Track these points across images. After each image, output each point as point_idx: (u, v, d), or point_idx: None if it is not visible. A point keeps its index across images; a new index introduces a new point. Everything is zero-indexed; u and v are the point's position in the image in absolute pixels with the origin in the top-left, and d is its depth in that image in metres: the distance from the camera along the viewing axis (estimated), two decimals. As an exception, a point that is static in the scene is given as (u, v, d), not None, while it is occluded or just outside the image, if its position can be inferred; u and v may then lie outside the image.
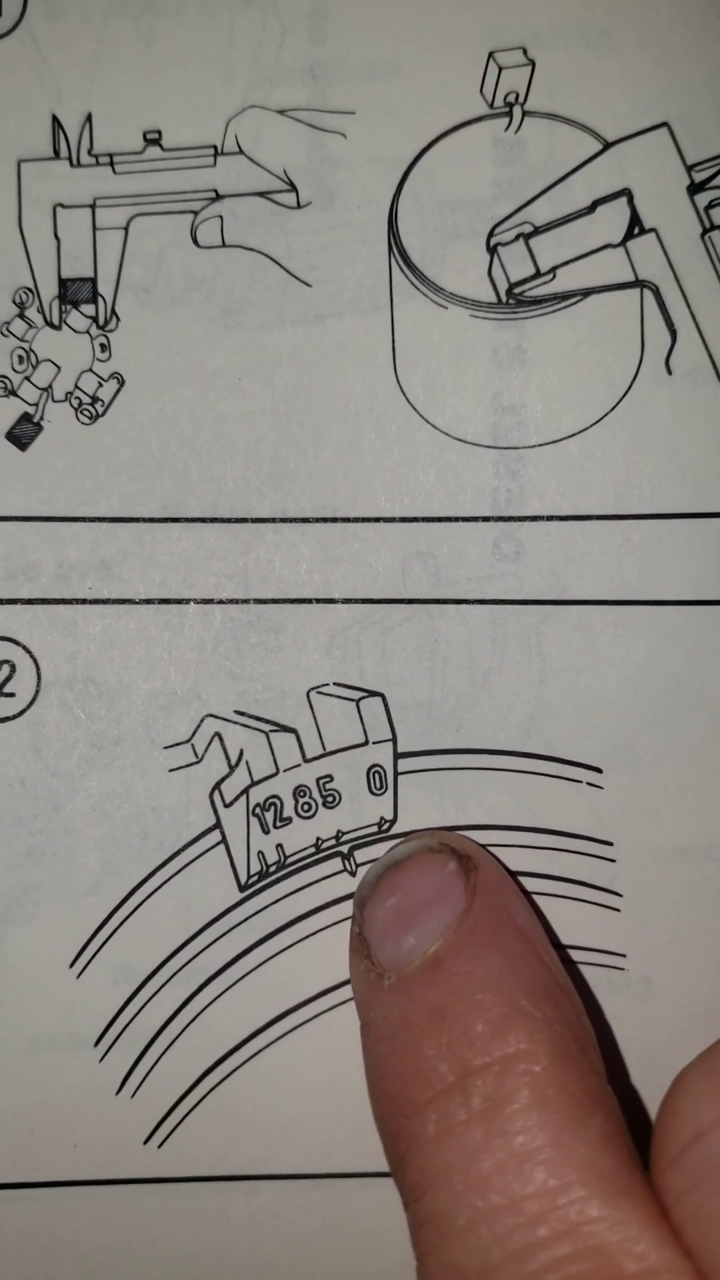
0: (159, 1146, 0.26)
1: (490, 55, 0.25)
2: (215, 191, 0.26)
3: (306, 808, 0.26)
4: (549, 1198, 0.20)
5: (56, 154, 0.26)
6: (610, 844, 0.26)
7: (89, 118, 0.26)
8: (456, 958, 0.23)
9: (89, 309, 0.26)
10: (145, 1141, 0.26)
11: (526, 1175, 0.21)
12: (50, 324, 0.26)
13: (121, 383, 0.26)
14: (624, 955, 0.26)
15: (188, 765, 0.26)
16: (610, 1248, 0.20)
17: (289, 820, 0.26)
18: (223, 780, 0.26)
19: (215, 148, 0.25)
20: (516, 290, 0.25)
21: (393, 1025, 0.23)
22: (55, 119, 0.26)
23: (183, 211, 0.26)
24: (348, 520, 0.26)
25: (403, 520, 0.26)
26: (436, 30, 0.25)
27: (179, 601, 0.26)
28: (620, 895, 0.26)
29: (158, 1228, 0.26)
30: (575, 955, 0.26)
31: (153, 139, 0.26)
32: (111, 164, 0.26)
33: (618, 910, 0.26)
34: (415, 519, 0.26)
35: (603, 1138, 0.21)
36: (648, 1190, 0.21)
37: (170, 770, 0.26)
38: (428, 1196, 0.22)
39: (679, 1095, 0.22)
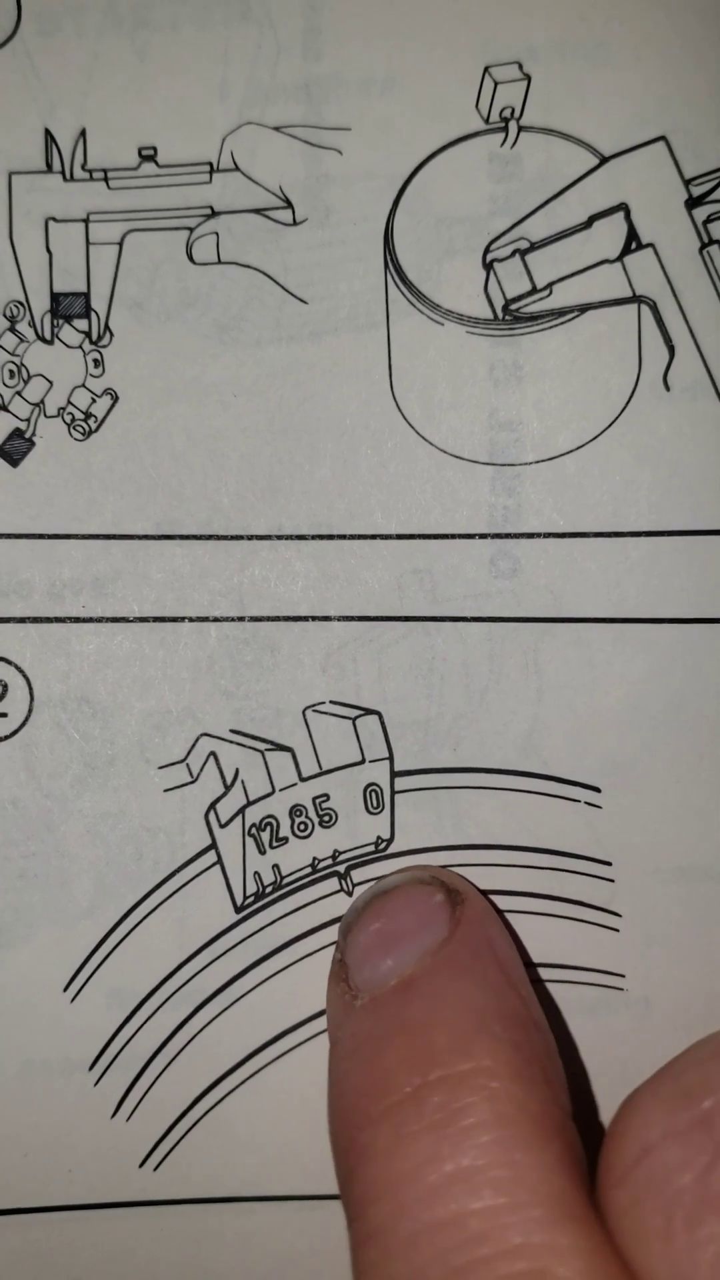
0: (155, 1169, 0.26)
1: (486, 70, 0.25)
2: (211, 208, 0.25)
3: (303, 827, 0.26)
4: (495, 1216, 0.20)
5: (49, 168, 0.25)
6: (609, 863, 0.26)
7: (83, 132, 0.25)
8: (430, 979, 0.23)
9: (82, 324, 0.25)
10: (141, 1164, 0.26)
11: (474, 1191, 0.20)
12: (42, 338, 0.25)
13: (115, 399, 0.25)
14: (623, 975, 0.26)
15: (183, 785, 0.26)
16: (551, 1273, 0.19)
17: (285, 840, 0.26)
18: (218, 800, 0.26)
19: (211, 164, 0.25)
20: (513, 306, 0.25)
21: (358, 1040, 0.23)
22: (48, 133, 0.25)
23: (178, 228, 0.25)
24: (343, 537, 0.26)
25: (399, 537, 0.26)
26: (431, 46, 0.25)
27: (173, 620, 0.26)
28: (619, 915, 0.26)
29: (154, 1250, 0.26)
30: (574, 975, 0.26)
31: (148, 155, 0.25)
32: (106, 179, 0.25)
33: (616, 930, 0.26)
34: (411, 536, 0.26)
35: (559, 1162, 0.21)
36: (598, 1221, 0.20)
37: (165, 790, 0.26)
38: (372, 1210, 0.21)
39: (628, 1114, 0.22)
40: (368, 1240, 0.21)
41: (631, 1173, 0.21)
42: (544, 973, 0.26)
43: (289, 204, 0.25)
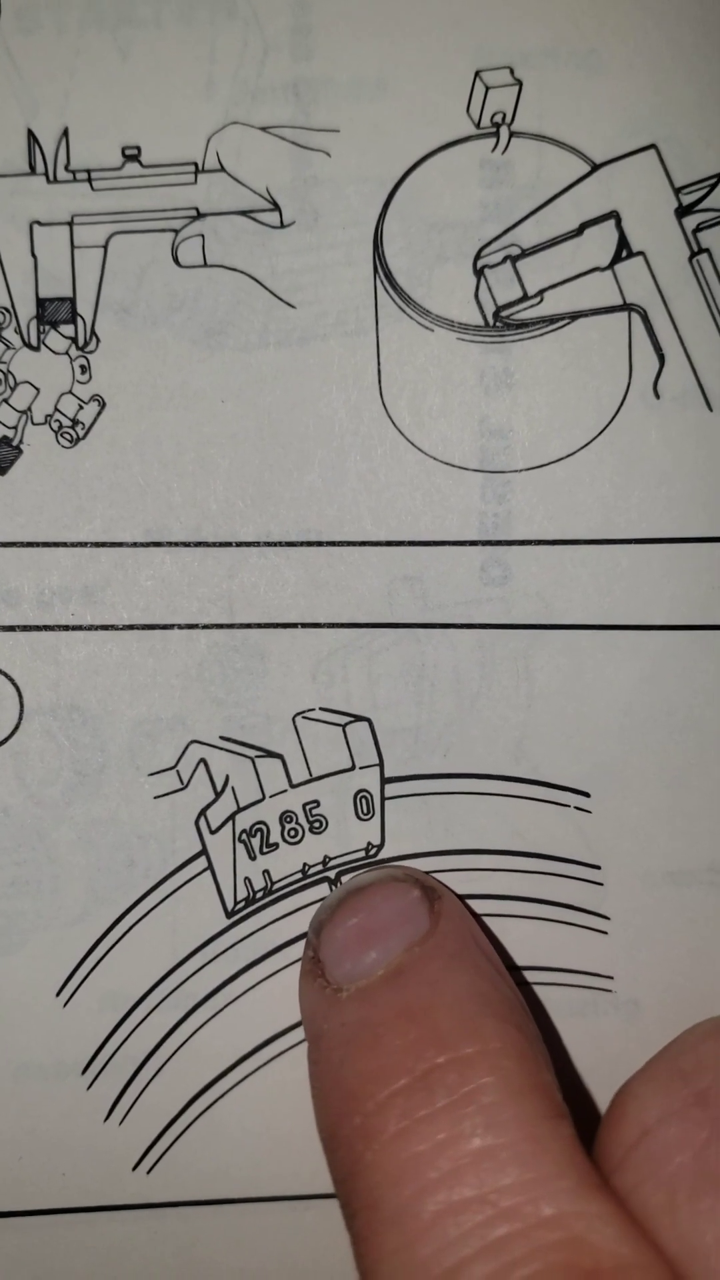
0: (148, 1172, 0.26)
1: (477, 74, 0.24)
2: (196, 209, 0.25)
3: (293, 833, 0.26)
4: (525, 1190, 0.20)
5: (32, 169, 0.25)
6: (598, 867, 0.26)
7: (65, 132, 0.25)
8: (423, 967, 0.23)
9: (68, 329, 0.25)
10: (134, 1168, 0.26)
11: (500, 1168, 0.20)
12: (28, 345, 0.25)
13: (102, 405, 0.25)
14: (611, 977, 0.26)
15: (173, 792, 0.26)
16: (586, 1241, 0.19)
17: (275, 846, 0.26)
18: (208, 806, 0.26)
19: (196, 164, 0.25)
20: (504, 313, 0.25)
21: (353, 1029, 0.22)
22: (31, 133, 0.25)
23: (163, 230, 0.25)
24: (333, 544, 0.25)
25: (389, 544, 0.25)
26: (423, 49, 0.24)
27: (163, 627, 0.25)
28: (608, 918, 0.26)
29: (148, 1253, 0.26)
30: (563, 978, 0.26)
31: (132, 155, 0.25)
32: (89, 180, 0.25)
33: (605, 933, 0.26)
34: (401, 543, 0.25)
35: (572, 1135, 0.21)
36: (614, 1190, 0.21)
37: (156, 797, 0.26)
38: (388, 1194, 0.21)
39: (624, 1099, 0.22)
40: (386, 1226, 0.20)
41: (631, 1155, 0.21)
42: (534, 975, 0.26)
43: (276, 206, 0.25)
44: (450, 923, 0.24)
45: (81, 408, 0.25)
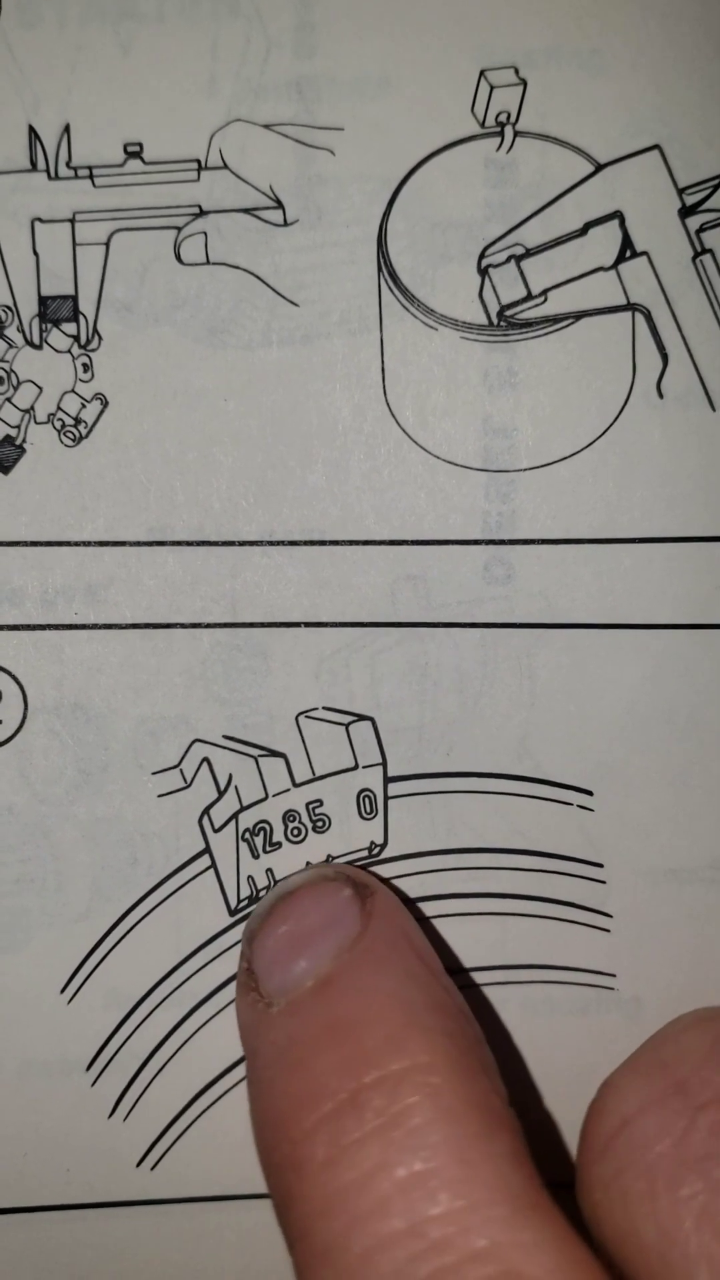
0: (152, 1169, 0.26)
1: (482, 74, 0.24)
2: (199, 207, 0.25)
3: (296, 832, 0.26)
4: (456, 1219, 0.19)
5: (34, 166, 0.25)
6: (600, 865, 0.26)
7: (67, 128, 0.25)
8: (350, 975, 0.22)
9: (70, 328, 0.25)
10: (138, 1164, 0.26)
11: (430, 1196, 0.19)
12: (30, 343, 0.25)
13: (105, 404, 0.25)
14: (614, 975, 0.26)
15: (176, 790, 0.26)
16: (521, 1274, 0.19)
17: (279, 845, 0.26)
18: (212, 805, 0.26)
19: (199, 162, 0.25)
20: (508, 313, 0.25)
21: (280, 1047, 0.22)
22: (32, 129, 0.25)
23: (165, 227, 0.25)
24: (336, 543, 0.25)
25: (392, 543, 0.25)
26: (427, 47, 0.24)
27: (166, 626, 0.25)
28: (610, 916, 0.26)
29: (152, 1249, 0.27)
30: (566, 975, 0.26)
31: (133, 151, 0.25)
32: (91, 177, 0.25)
33: (608, 931, 0.26)
34: (405, 542, 0.25)
35: (510, 1153, 0.20)
36: (558, 1209, 0.20)
37: (159, 796, 0.26)
38: (318, 1226, 0.20)
39: (606, 1091, 0.22)
40: (317, 1261, 0.20)
41: (612, 1145, 0.21)
42: (536, 973, 0.26)
43: (280, 204, 0.25)
44: (380, 922, 0.23)
45: (84, 406, 0.25)
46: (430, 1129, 0.20)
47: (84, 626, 0.25)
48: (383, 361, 0.25)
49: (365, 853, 0.26)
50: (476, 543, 0.25)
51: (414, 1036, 0.21)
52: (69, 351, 0.25)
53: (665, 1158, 0.21)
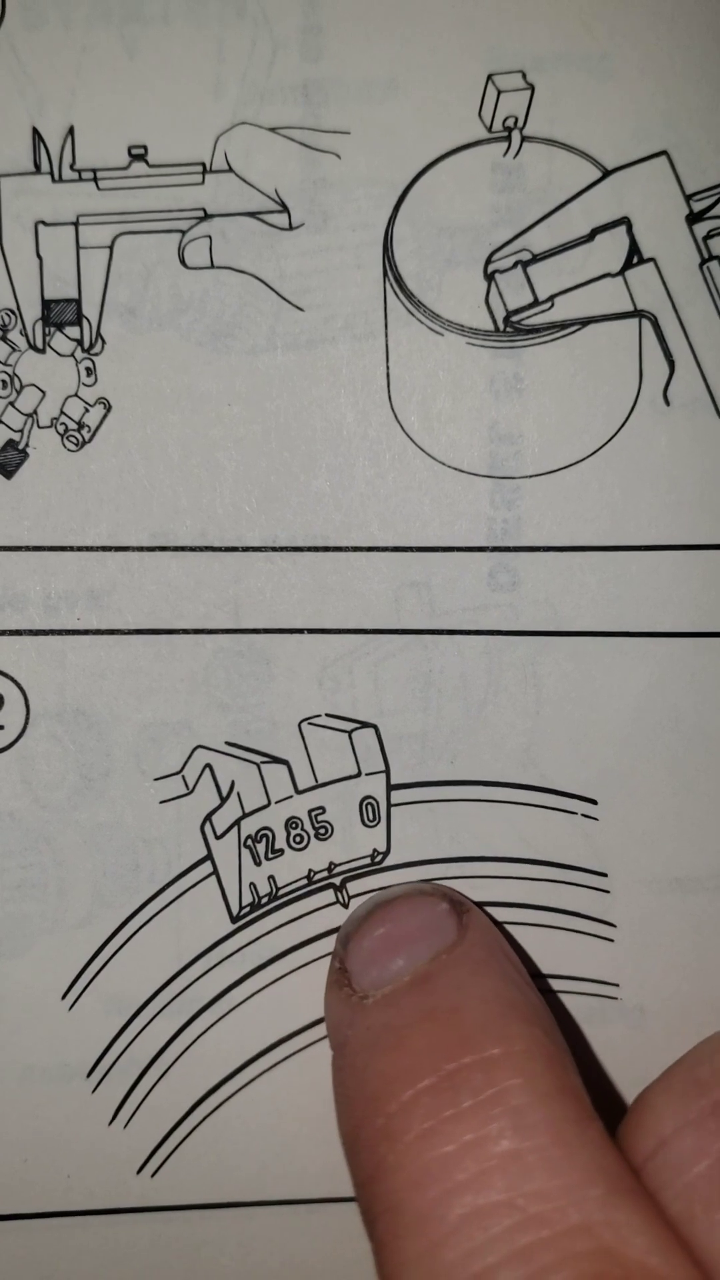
0: (152, 1176, 0.26)
1: (489, 78, 0.24)
2: (204, 210, 0.25)
3: (298, 839, 0.26)
4: (554, 1196, 0.19)
5: (38, 169, 0.25)
6: (605, 875, 0.26)
7: (71, 131, 0.25)
8: (449, 973, 0.22)
9: (73, 331, 0.25)
10: (139, 1171, 0.26)
11: (528, 1172, 0.20)
12: (34, 347, 0.25)
13: (108, 408, 0.25)
14: (617, 985, 0.26)
15: (179, 797, 0.26)
16: (616, 1252, 0.19)
17: (281, 852, 0.26)
18: (214, 812, 0.26)
19: (204, 165, 0.25)
20: (514, 318, 0.25)
21: (376, 1032, 0.22)
22: (36, 132, 0.25)
23: (170, 230, 0.25)
24: (340, 549, 0.25)
25: (396, 549, 0.25)
26: (434, 51, 0.24)
27: (168, 631, 0.25)
28: (614, 926, 0.26)
29: (152, 1257, 0.26)
30: (570, 985, 0.26)
31: (138, 154, 0.25)
32: (95, 180, 0.25)
33: (612, 940, 0.26)
34: (409, 548, 0.25)
35: (605, 1139, 0.21)
36: (650, 1196, 0.20)
37: (161, 802, 0.26)
38: (411, 1198, 0.20)
39: (641, 1109, 0.22)
40: (409, 1230, 0.20)
41: (648, 1165, 0.21)
42: (539, 983, 0.26)
43: (285, 208, 0.25)
44: (477, 933, 0.23)
45: (87, 410, 0.25)
46: (529, 1110, 0.20)
47: (86, 632, 0.25)
48: (388, 367, 0.25)
49: (368, 860, 0.26)
50: (481, 549, 0.25)
51: (513, 1026, 0.21)
52: (72, 355, 0.25)
53: (703, 1179, 0.21)
